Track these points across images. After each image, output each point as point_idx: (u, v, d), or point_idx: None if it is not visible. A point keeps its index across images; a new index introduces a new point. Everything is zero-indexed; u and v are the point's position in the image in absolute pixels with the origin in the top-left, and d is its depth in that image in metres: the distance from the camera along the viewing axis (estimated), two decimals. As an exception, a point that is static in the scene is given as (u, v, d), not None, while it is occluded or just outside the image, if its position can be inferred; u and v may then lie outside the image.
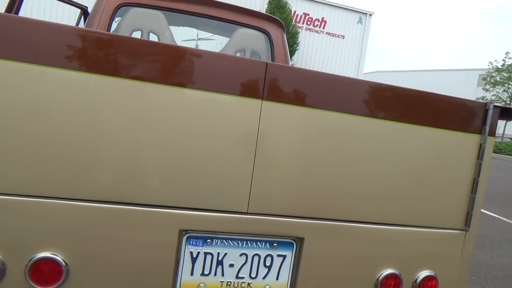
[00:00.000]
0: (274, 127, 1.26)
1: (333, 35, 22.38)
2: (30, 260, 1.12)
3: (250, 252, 1.33)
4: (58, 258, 1.14)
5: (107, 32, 1.13)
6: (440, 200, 1.45)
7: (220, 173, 1.24)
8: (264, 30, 3.21)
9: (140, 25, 2.82)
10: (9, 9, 3.07)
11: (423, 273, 1.46)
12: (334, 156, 1.33)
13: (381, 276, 1.42)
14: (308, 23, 21.84)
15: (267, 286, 1.36)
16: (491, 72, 21.69)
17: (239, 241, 1.32)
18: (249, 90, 1.23)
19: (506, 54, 21.51)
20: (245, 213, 1.28)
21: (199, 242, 1.29)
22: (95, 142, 1.15)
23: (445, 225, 1.47)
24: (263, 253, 1.34)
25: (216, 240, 1.30)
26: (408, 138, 1.38)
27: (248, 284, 1.34)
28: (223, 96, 1.22)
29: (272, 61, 3.26)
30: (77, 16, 4.24)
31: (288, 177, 1.30)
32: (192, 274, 1.29)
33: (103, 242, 1.18)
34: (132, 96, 1.16)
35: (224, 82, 1.21)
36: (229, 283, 1.33)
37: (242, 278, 1.34)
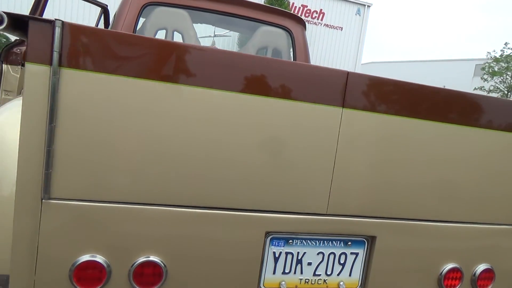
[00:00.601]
0: (353, 134, 1.33)
1: (331, 27, 22.31)
2: (134, 263, 1.19)
3: (327, 251, 1.41)
4: (159, 261, 1.21)
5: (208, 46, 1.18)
6: (502, 198, 1.53)
7: (302, 178, 1.31)
8: (285, 27, 3.26)
9: (165, 24, 2.87)
10: (34, 9, 3.10)
11: (482, 266, 1.55)
12: (407, 160, 1.39)
13: (445, 270, 1.50)
14: (306, 15, 21.73)
15: (341, 282, 1.43)
16: (489, 62, 21.74)
17: (317, 241, 1.39)
18: (331, 98, 1.29)
19: (505, 44, 21.52)
20: (324, 214, 1.35)
21: (281, 242, 1.36)
22: (191, 154, 1.20)
23: (506, 221, 1.55)
24: (338, 251, 1.42)
25: (297, 241, 1.37)
26: (477, 141, 1.45)
27: (324, 281, 1.42)
28: (306, 104, 1.28)
29: (294, 59, 3.32)
30: (97, 15, 4.27)
31: (364, 180, 1.37)
32: (274, 273, 1.37)
33: (198, 245, 1.24)
34: (225, 107, 1.22)
35: (307, 90, 1.27)
36: (307, 281, 1.40)
37: (319, 275, 1.41)
